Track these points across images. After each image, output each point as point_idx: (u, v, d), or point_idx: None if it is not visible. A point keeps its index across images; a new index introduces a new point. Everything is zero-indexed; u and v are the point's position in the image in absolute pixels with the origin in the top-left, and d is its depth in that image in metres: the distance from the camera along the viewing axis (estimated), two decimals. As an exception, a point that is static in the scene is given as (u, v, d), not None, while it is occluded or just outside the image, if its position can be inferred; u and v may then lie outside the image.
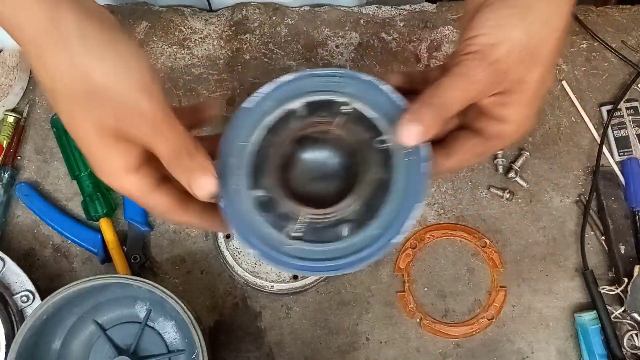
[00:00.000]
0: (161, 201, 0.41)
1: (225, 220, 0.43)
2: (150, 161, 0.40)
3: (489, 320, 0.61)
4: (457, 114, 0.42)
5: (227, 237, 0.60)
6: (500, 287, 0.61)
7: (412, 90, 0.46)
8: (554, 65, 0.42)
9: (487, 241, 0.62)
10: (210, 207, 0.43)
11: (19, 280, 0.58)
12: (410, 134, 0.40)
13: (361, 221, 0.43)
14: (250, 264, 0.60)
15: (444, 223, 0.63)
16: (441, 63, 0.47)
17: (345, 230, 0.43)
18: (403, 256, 0.62)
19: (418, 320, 0.61)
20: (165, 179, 0.41)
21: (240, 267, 0.59)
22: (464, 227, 0.62)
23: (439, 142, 0.45)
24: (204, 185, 0.39)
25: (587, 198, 0.63)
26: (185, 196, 0.41)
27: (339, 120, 0.45)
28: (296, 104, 0.45)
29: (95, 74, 0.36)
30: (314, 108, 0.45)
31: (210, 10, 0.69)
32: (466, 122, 0.44)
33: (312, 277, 0.59)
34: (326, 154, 0.48)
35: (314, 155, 0.47)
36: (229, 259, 0.59)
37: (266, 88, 0.45)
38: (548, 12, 0.40)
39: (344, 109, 0.44)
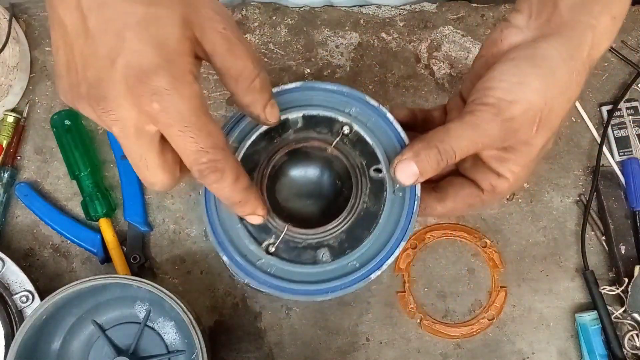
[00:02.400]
0: (214, 130, 0.34)
1: (205, 224, 0.42)
2: None
3: (489, 320, 0.61)
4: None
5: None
6: (501, 287, 0.61)
7: (412, 126, 0.45)
8: (558, 132, 0.42)
9: (488, 241, 0.62)
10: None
11: (19, 280, 0.58)
12: (407, 173, 0.39)
13: (342, 249, 0.41)
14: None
15: (444, 223, 0.63)
16: (443, 105, 0.47)
17: (324, 255, 0.41)
18: (403, 256, 0.62)
19: (418, 320, 0.61)
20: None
21: None
22: (464, 227, 0.62)
23: (432, 183, 0.44)
24: (277, 111, 0.39)
25: (587, 198, 0.63)
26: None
27: (337, 140, 0.43)
28: (295, 115, 0.43)
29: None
30: (313, 122, 0.43)
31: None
32: (462, 168, 0.44)
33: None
34: (317, 172, 0.46)
35: (305, 171, 0.46)
36: None
37: None
38: (568, 80, 0.39)
39: (344, 129, 0.43)
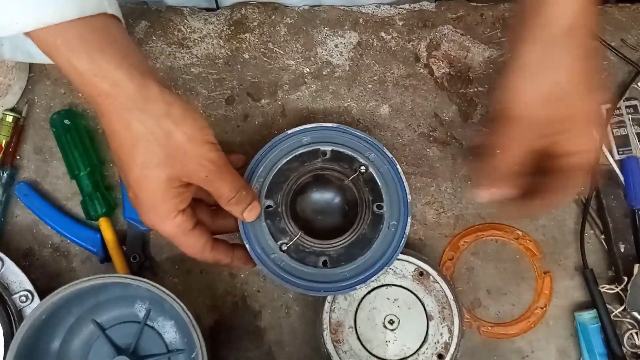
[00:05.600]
0: (196, 240, 0.49)
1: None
2: (191, 206, 0.49)
3: (542, 309, 0.61)
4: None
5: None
6: (545, 272, 0.61)
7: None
8: (596, 85, 0.46)
9: (520, 232, 0.62)
10: (235, 247, 0.53)
11: (18, 279, 0.58)
12: (484, 193, 0.50)
13: (339, 260, 0.52)
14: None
15: (471, 227, 0.62)
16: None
17: (324, 262, 0.52)
18: (443, 269, 0.61)
19: (477, 328, 0.61)
20: (197, 222, 0.49)
21: None
22: (492, 225, 0.62)
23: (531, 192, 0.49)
24: (257, 211, 0.52)
25: (586, 197, 0.63)
26: (212, 237, 0.51)
27: (354, 175, 0.54)
28: (326, 148, 0.55)
29: (176, 136, 0.45)
30: (338, 157, 0.55)
31: (218, 7, 0.69)
32: (547, 168, 0.48)
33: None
34: (332, 196, 0.57)
35: (323, 193, 0.57)
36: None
37: (309, 125, 0.55)
38: (571, 51, 0.44)
39: (361, 169, 0.54)
